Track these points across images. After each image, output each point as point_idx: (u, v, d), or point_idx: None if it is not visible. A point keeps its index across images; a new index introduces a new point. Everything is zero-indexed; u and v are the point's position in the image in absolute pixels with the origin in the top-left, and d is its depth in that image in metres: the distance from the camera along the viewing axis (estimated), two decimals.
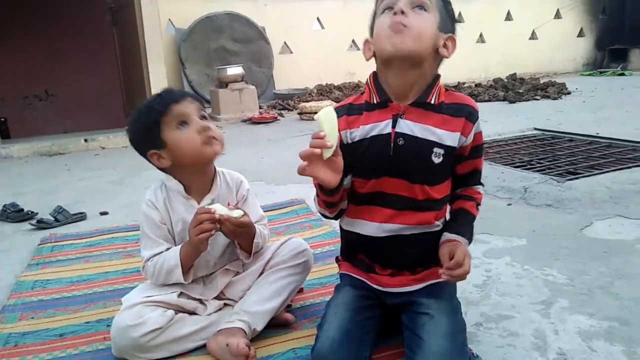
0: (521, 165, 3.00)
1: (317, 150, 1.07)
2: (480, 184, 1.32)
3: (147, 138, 1.33)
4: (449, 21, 1.19)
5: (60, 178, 3.43)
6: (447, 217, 1.29)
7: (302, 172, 1.10)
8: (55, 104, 6.20)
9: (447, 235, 1.22)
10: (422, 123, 1.17)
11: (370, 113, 1.21)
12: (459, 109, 1.19)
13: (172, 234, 1.36)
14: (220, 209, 1.27)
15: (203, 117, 1.34)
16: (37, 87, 6.13)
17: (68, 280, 1.78)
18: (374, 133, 1.19)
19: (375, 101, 1.21)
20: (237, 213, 1.28)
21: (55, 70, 5.94)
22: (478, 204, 1.30)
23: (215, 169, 1.42)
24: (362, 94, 1.26)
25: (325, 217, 1.30)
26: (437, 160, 1.17)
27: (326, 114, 1.10)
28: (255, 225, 1.39)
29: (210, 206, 1.28)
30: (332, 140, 1.08)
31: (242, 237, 1.36)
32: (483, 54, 8.14)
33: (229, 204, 1.31)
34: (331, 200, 1.20)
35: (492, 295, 1.55)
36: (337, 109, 1.17)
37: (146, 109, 1.34)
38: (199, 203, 1.37)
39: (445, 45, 1.17)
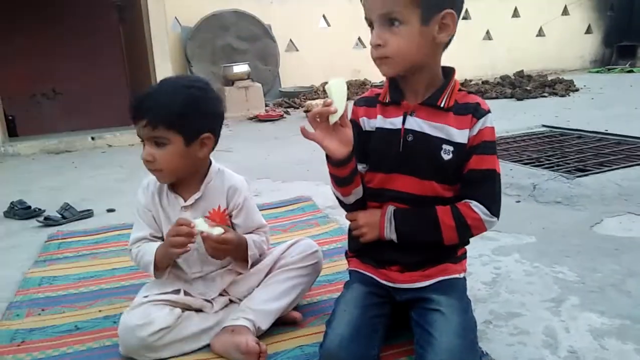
0: (530, 162, 2.97)
1: (318, 109, 1.09)
2: (487, 204, 1.17)
3: (216, 121, 1.33)
4: None
5: (68, 176, 3.44)
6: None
7: (305, 133, 1.12)
8: (62, 102, 6.20)
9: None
10: (432, 121, 1.17)
11: (386, 107, 1.23)
12: (467, 108, 1.17)
13: (159, 223, 1.37)
14: (200, 225, 1.22)
15: (158, 142, 1.30)
16: (44, 85, 6.13)
17: (75, 277, 1.78)
18: (386, 126, 1.21)
19: (387, 100, 1.22)
20: (217, 231, 1.23)
21: (62, 68, 5.93)
22: (459, 216, 1.16)
23: (210, 166, 1.37)
24: (383, 87, 1.27)
25: (342, 205, 1.28)
26: (446, 157, 1.16)
27: (336, 83, 1.12)
28: (247, 236, 1.35)
29: (193, 220, 1.24)
30: (339, 106, 1.09)
31: (225, 254, 1.31)
32: (490, 51, 8.07)
33: (219, 209, 1.27)
34: (340, 175, 1.18)
35: (501, 292, 1.53)
36: (357, 100, 1.23)
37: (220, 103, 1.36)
38: (185, 200, 1.34)
39: (442, 26, 1.10)
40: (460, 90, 1.20)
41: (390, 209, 1.22)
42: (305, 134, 1.11)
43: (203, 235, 1.23)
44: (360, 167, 1.22)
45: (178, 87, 1.28)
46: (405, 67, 1.14)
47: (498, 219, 1.20)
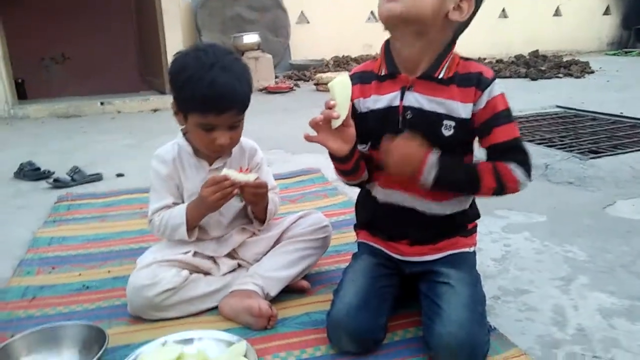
0: (542, 142, 2.93)
1: (320, 117, 1.09)
2: (523, 167, 1.12)
3: (183, 101, 1.28)
4: None
5: (76, 140, 3.44)
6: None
7: (308, 139, 1.12)
8: (71, 67, 6.18)
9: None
10: (432, 95, 1.12)
11: (381, 83, 1.18)
12: (469, 79, 1.11)
13: (181, 190, 1.37)
14: (234, 176, 1.26)
15: (233, 126, 1.29)
16: (53, 49, 6.09)
17: (84, 238, 1.79)
18: (382, 105, 1.17)
19: (383, 72, 1.17)
20: (252, 177, 1.28)
21: (72, 33, 5.88)
22: (499, 178, 1.11)
23: None
24: (376, 60, 1.22)
25: (349, 184, 1.29)
26: (447, 132, 1.12)
27: (340, 82, 1.08)
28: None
29: (225, 172, 1.26)
30: (342, 111, 1.07)
31: (261, 199, 1.34)
32: (505, 30, 7.91)
33: (241, 169, 1.31)
34: (344, 169, 1.19)
35: (510, 269, 1.53)
36: (351, 77, 1.14)
37: (200, 97, 1.21)
38: (210, 165, 1.36)
39: (458, 7, 1.07)
40: (460, 59, 1.14)
41: (434, 155, 1.11)
42: (309, 139, 1.12)
43: (242, 183, 1.25)
44: (360, 147, 1.19)
45: (241, 69, 1.28)
46: (412, 13, 1.04)
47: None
